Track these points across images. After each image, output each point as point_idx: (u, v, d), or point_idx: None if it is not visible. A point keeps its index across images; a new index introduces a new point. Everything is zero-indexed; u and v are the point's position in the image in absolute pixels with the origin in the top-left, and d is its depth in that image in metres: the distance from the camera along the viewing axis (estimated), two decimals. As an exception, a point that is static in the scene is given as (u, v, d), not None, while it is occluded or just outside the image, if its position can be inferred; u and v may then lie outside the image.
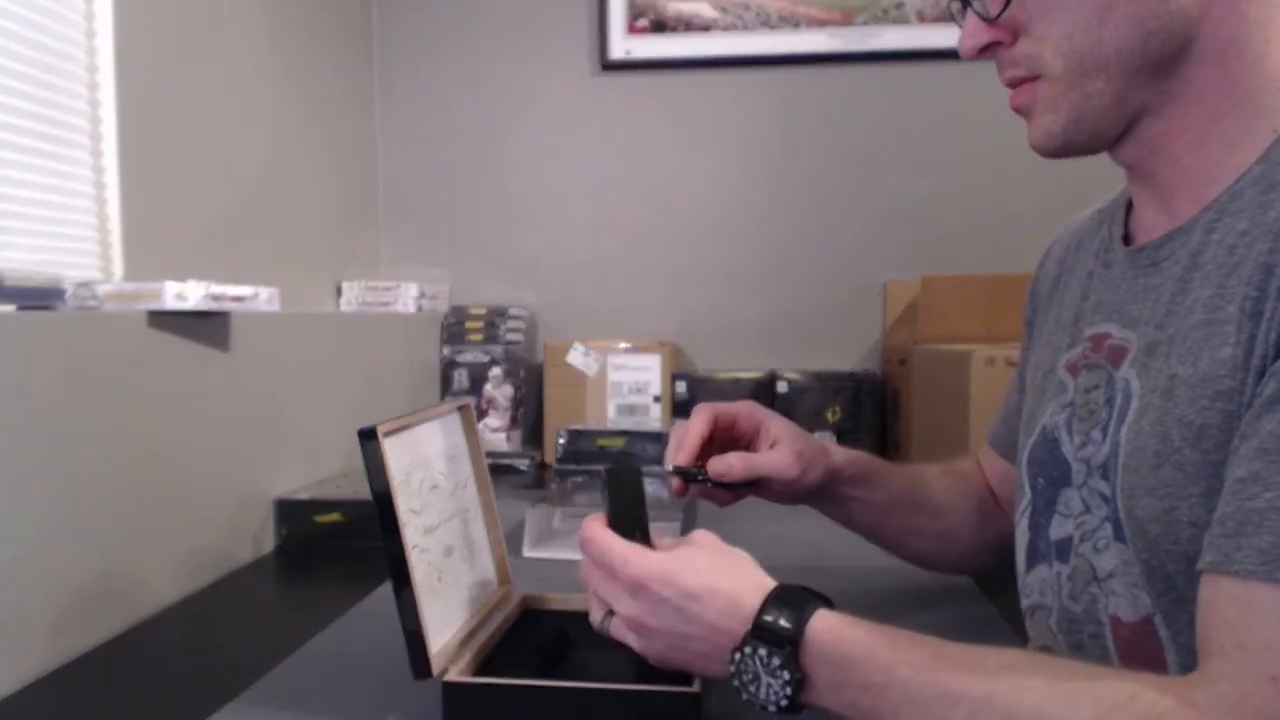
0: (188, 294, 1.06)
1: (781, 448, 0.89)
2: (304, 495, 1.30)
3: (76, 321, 0.97)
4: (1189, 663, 0.53)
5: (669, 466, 0.88)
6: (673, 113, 2.09)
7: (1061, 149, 0.68)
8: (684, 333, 2.09)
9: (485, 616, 0.82)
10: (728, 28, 2.03)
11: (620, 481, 0.73)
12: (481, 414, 1.91)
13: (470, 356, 1.95)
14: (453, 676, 0.71)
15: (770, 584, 0.63)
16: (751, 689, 0.60)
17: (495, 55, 2.11)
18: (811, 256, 2.07)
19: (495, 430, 1.90)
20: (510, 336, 1.98)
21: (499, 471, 1.78)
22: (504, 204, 2.13)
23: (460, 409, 0.90)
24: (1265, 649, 0.49)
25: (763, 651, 0.59)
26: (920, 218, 2.03)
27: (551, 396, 1.96)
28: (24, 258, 1.10)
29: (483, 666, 0.75)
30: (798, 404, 1.90)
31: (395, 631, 0.70)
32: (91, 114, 1.22)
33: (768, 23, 2.02)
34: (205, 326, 1.13)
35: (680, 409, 1.93)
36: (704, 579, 0.64)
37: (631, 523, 0.70)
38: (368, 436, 0.71)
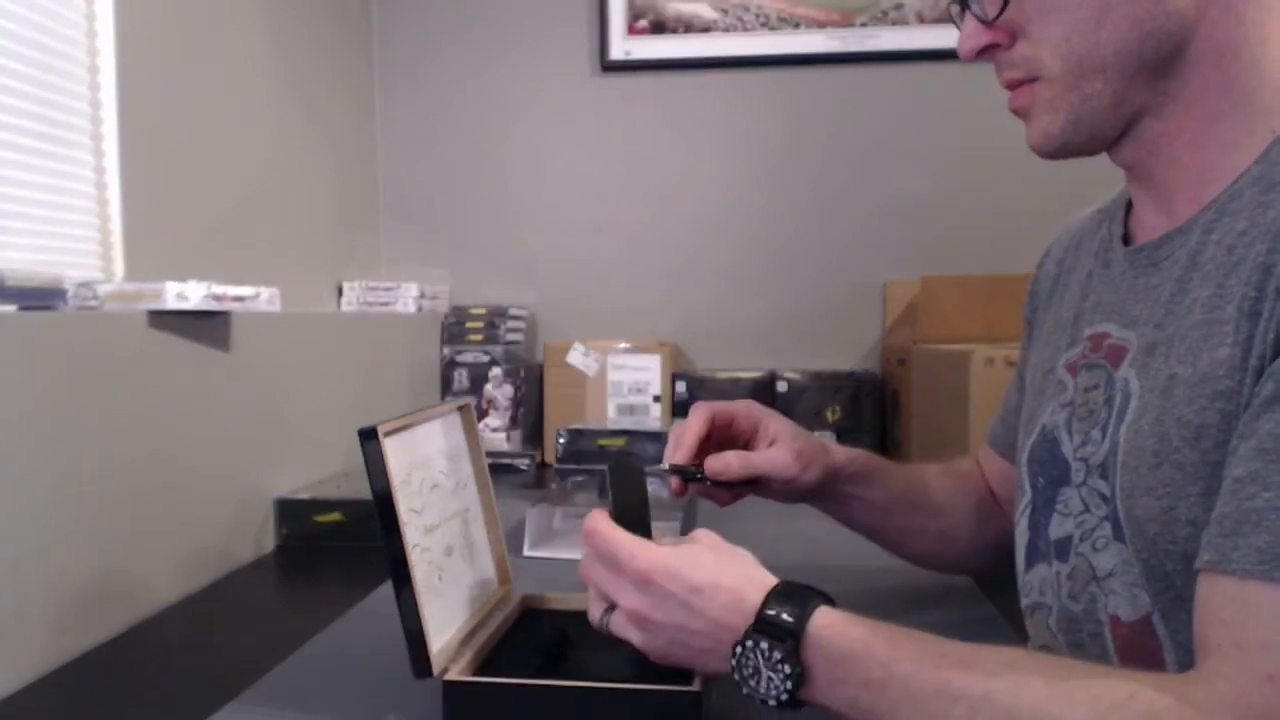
0: (189, 294, 1.06)
1: (780, 446, 0.90)
2: (304, 495, 1.30)
3: (77, 321, 0.97)
4: (1188, 661, 0.54)
5: (666, 465, 0.88)
6: (672, 113, 2.09)
7: (1060, 150, 0.69)
8: (684, 333, 2.09)
9: (485, 616, 0.83)
10: (727, 29, 2.03)
11: (624, 477, 0.73)
12: (482, 414, 1.91)
13: (470, 356, 1.95)
14: (453, 676, 0.71)
15: (773, 580, 0.64)
16: (752, 683, 0.60)
17: (495, 55, 2.11)
18: (811, 256, 2.07)
19: (495, 430, 1.90)
20: (510, 336, 1.98)
21: (499, 471, 1.78)
22: (504, 204, 2.14)
23: (460, 409, 0.90)
24: (1262, 647, 0.49)
25: (764, 645, 0.59)
26: (920, 218, 2.03)
27: (551, 396, 1.96)
28: (25, 258, 1.10)
29: (483, 666, 0.76)
30: (797, 404, 1.90)
31: (395, 631, 0.70)
32: (92, 114, 1.22)
33: (767, 24, 2.02)
34: (206, 326, 1.13)
35: (680, 409, 1.93)
36: (709, 574, 0.64)
37: (634, 519, 0.70)
38: (368, 436, 0.71)
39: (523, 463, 1.83)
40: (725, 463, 0.88)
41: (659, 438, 1.59)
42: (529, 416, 1.98)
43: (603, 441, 1.60)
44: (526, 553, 1.19)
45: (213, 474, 1.16)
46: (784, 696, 0.59)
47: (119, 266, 1.25)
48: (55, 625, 0.89)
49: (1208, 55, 0.63)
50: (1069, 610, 0.71)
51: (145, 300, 1.04)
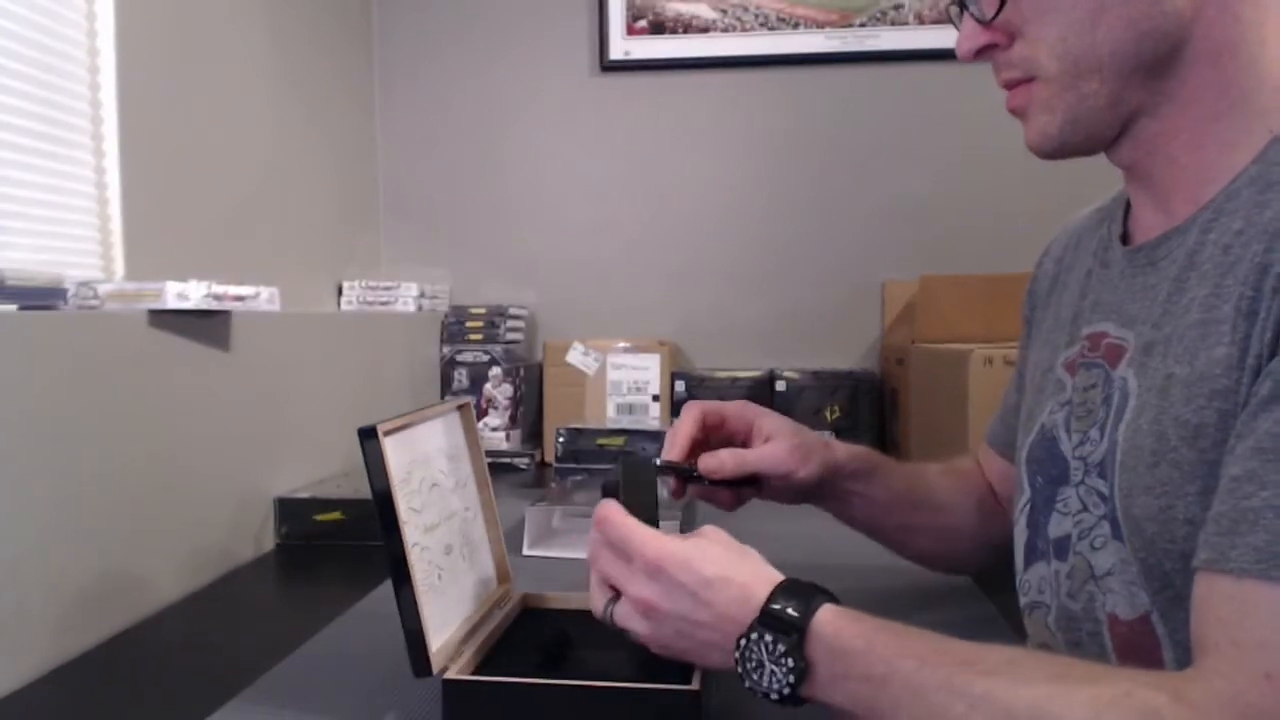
0: (189, 293, 1.06)
1: (775, 442, 0.89)
2: (304, 494, 1.30)
3: (78, 321, 0.97)
4: (1186, 660, 0.54)
5: (658, 463, 0.88)
6: (672, 113, 2.10)
7: (1057, 150, 0.69)
8: (683, 332, 2.09)
9: (485, 615, 0.83)
10: (726, 29, 2.03)
11: (635, 471, 0.74)
12: (481, 413, 1.91)
13: (470, 356, 1.95)
14: (453, 674, 0.71)
15: (779, 577, 0.64)
16: (755, 676, 0.60)
17: (495, 55, 2.12)
18: (810, 256, 2.07)
19: (495, 429, 1.90)
20: (510, 336, 1.98)
21: (499, 470, 1.78)
22: (504, 204, 2.14)
23: (460, 408, 0.90)
24: (1259, 646, 0.49)
25: (769, 638, 0.60)
26: (919, 218, 2.03)
27: (551, 395, 1.97)
28: (25, 257, 1.10)
29: (483, 665, 0.76)
30: (796, 403, 1.90)
31: (395, 630, 0.71)
32: (93, 114, 1.23)
33: (766, 24, 2.03)
34: (206, 326, 1.13)
35: (679, 408, 1.93)
36: (719, 568, 0.64)
37: (644, 512, 0.70)
38: (368, 435, 0.71)
39: (522, 462, 1.83)
40: (719, 461, 0.88)
41: (658, 437, 1.59)
42: (528, 416, 1.98)
43: (602, 441, 1.60)
44: (526, 552, 1.19)
45: (213, 473, 1.16)
46: (786, 690, 0.59)
47: (119, 266, 1.25)
48: (55, 624, 0.89)
49: (1204, 55, 0.63)
50: (1067, 609, 0.71)
51: (145, 300, 1.04)
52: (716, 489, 0.90)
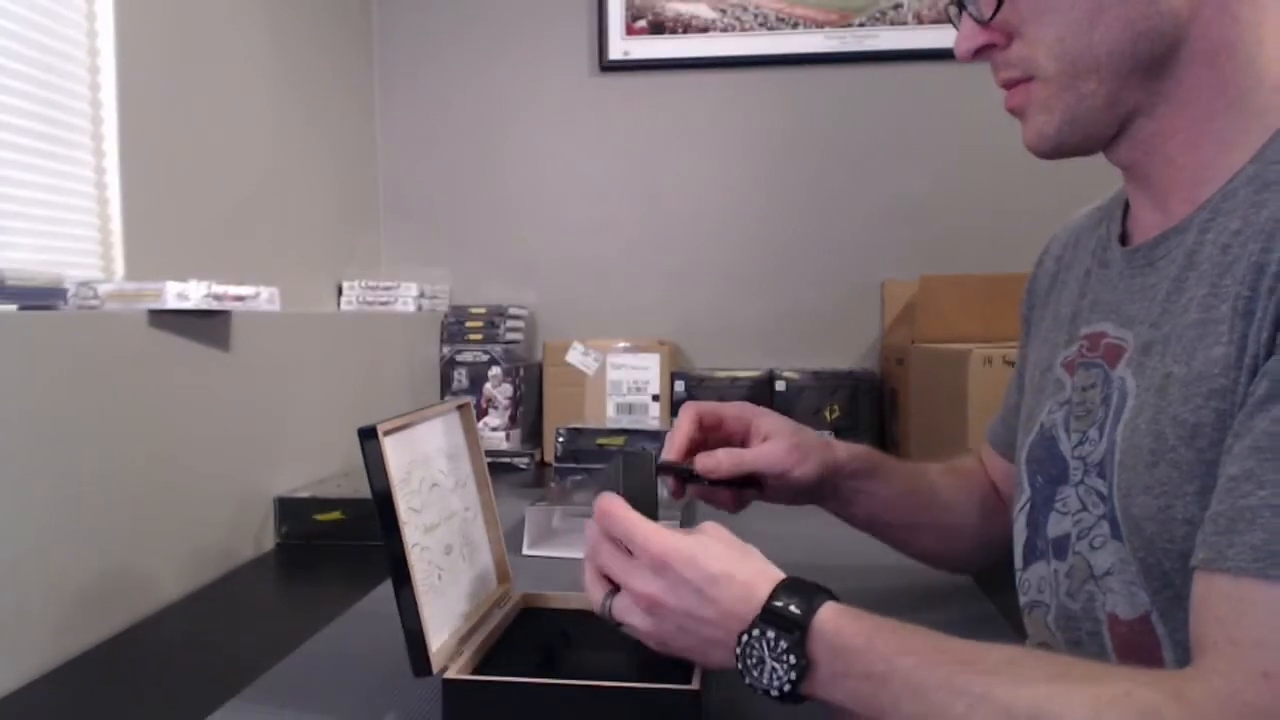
0: (189, 293, 1.06)
1: (772, 442, 0.90)
2: (304, 493, 1.30)
3: (78, 321, 0.97)
4: (1186, 660, 0.54)
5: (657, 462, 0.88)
6: (671, 113, 2.10)
7: (1055, 150, 0.69)
8: (683, 332, 2.09)
9: (485, 614, 0.83)
10: (726, 29, 2.03)
11: (635, 467, 0.74)
12: (481, 413, 1.91)
13: (470, 356, 1.96)
14: (452, 674, 0.71)
15: (781, 575, 0.64)
16: (755, 673, 0.60)
17: (495, 55, 2.12)
18: (810, 256, 2.07)
19: (495, 429, 1.90)
20: (510, 336, 1.98)
21: (498, 470, 1.78)
22: (504, 204, 2.14)
23: (460, 408, 0.90)
24: (1257, 645, 0.49)
25: (771, 634, 0.60)
26: (918, 217, 2.03)
27: (551, 395, 1.97)
28: (25, 257, 1.10)
29: (482, 664, 0.76)
30: (796, 403, 1.91)
31: (395, 629, 0.71)
32: (93, 114, 1.23)
33: (766, 24, 2.03)
34: (206, 326, 1.13)
35: (679, 408, 1.93)
36: (724, 565, 0.64)
37: (644, 508, 0.70)
38: (368, 435, 0.71)
39: (522, 462, 1.83)
40: (716, 460, 0.88)
41: (658, 437, 1.59)
42: (528, 415, 1.98)
43: (602, 440, 1.60)
44: (526, 551, 1.19)
45: (213, 473, 1.16)
46: (786, 687, 0.59)
47: (119, 266, 1.25)
48: (56, 624, 0.89)
49: (1201, 55, 0.63)
50: (1067, 608, 0.71)
51: (145, 300, 1.04)
52: (717, 489, 0.90)
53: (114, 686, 0.85)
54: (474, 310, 2.01)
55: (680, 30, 2.04)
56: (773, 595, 0.61)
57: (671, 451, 0.89)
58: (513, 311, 2.02)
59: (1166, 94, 0.65)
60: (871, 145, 2.05)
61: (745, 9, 2.03)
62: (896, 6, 1.99)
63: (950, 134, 2.01)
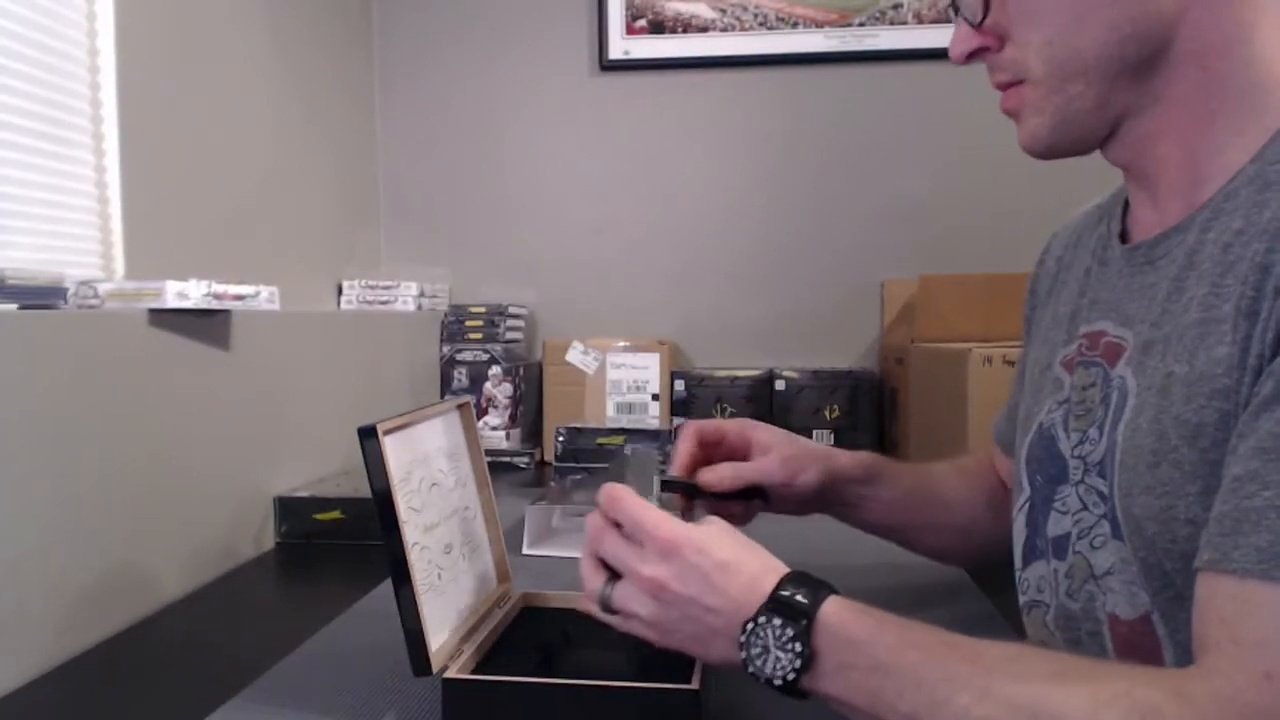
0: (189, 293, 1.06)
1: (772, 454, 0.92)
2: (304, 493, 1.30)
3: (78, 320, 0.97)
4: (1187, 661, 0.54)
5: (661, 480, 0.89)
6: (671, 113, 2.10)
7: (1048, 151, 0.70)
8: (683, 332, 2.09)
9: (485, 614, 0.83)
10: (726, 28, 2.03)
11: (640, 464, 0.75)
12: (481, 412, 1.91)
13: (470, 355, 1.96)
14: (452, 674, 0.71)
15: (786, 568, 0.64)
16: (759, 662, 0.60)
17: (495, 55, 2.12)
18: (810, 256, 2.07)
19: (495, 428, 1.90)
20: (510, 335, 1.98)
21: (498, 469, 1.78)
22: (504, 204, 2.14)
23: (460, 407, 0.90)
24: (1259, 645, 0.49)
25: (777, 622, 0.60)
26: (918, 217, 2.03)
27: (551, 395, 1.97)
28: (26, 256, 1.10)
29: (482, 664, 0.76)
30: (796, 402, 1.91)
31: (395, 629, 0.71)
32: (93, 113, 1.23)
33: (765, 23, 2.03)
34: (206, 325, 1.13)
35: (678, 407, 1.93)
36: (733, 554, 0.65)
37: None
38: (368, 434, 0.71)
39: (522, 461, 1.84)
40: (718, 474, 0.91)
41: (658, 436, 1.59)
42: (528, 415, 1.98)
43: (602, 440, 1.60)
44: (526, 551, 1.19)
45: (213, 472, 1.16)
46: (790, 676, 0.59)
47: (119, 265, 1.25)
48: (56, 623, 0.89)
49: (1191, 56, 0.63)
50: (1066, 608, 0.71)
51: (145, 299, 1.04)
52: (725, 503, 0.91)
53: (114, 686, 0.85)
54: (474, 310, 2.01)
55: (680, 30, 2.04)
56: (779, 585, 0.62)
57: (676, 469, 0.91)
58: (513, 311, 2.02)
59: (1157, 95, 0.65)
60: (871, 145, 2.05)
61: (745, 9, 2.03)
62: (896, 6, 2.00)
63: (950, 134, 2.01)
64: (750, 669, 0.61)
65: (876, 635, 0.58)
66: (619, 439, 1.60)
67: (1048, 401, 0.77)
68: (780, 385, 1.92)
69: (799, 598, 0.60)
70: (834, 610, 0.60)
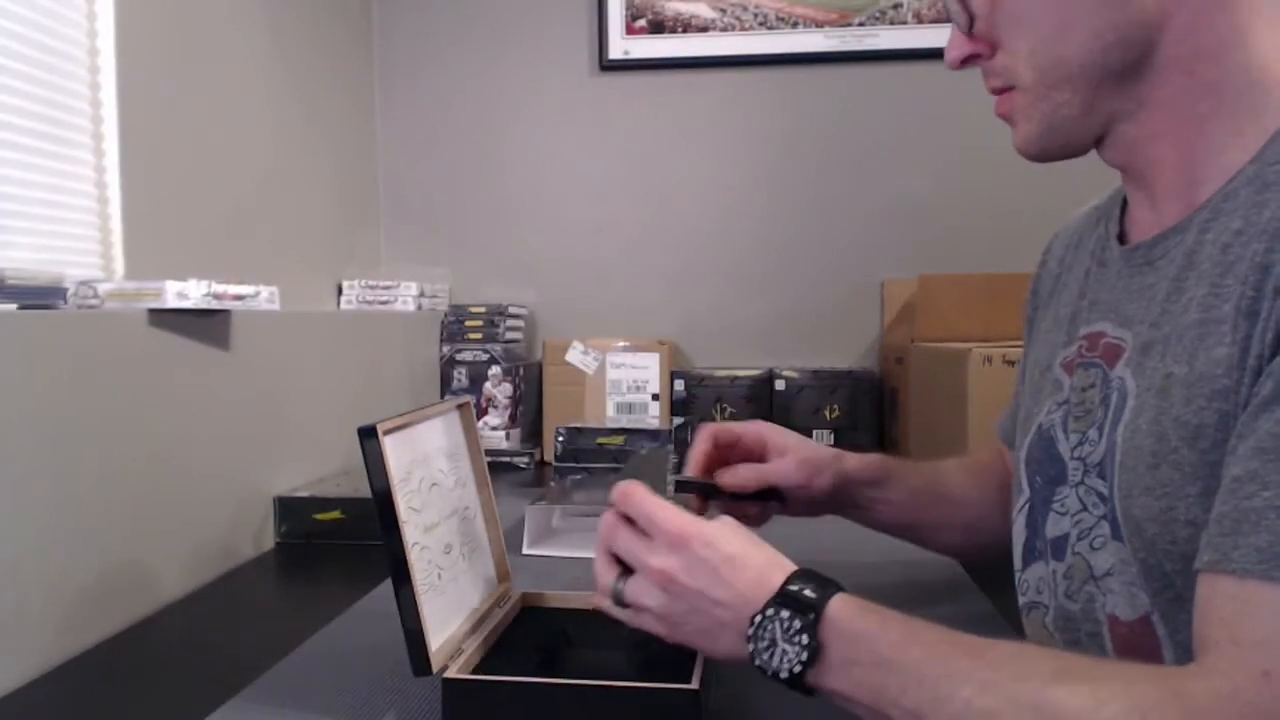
0: (189, 292, 1.06)
1: (790, 456, 0.95)
2: (304, 493, 1.30)
3: (78, 320, 0.97)
4: (1186, 662, 0.54)
5: (670, 484, 0.91)
6: (671, 113, 2.10)
7: (1041, 155, 0.71)
8: (683, 332, 2.09)
9: (485, 614, 0.83)
10: (725, 28, 2.03)
11: (652, 462, 0.76)
12: (481, 412, 1.91)
13: (470, 355, 1.96)
14: (452, 673, 0.71)
15: (793, 565, 0.65)
16: (766, 655, 0.61)
17: (495, 55, 2.12)
18: (810, 256, 2.07)
19: (495, 428, 1.90)
20: (510, 335, 1.98)
21: (498, 469, 1.78)
22: (504, 204, 2.14)
23: (460, 407, 0.90)
24: (1258, 645, 0.49)
25: (785, 614, 0.60)
26: (918, 217, 2.03)
27: (551, 395, 1.97)
28: (25, 256, 1.10)
29: (482, 664, 0.76)
30: (796, 402, 1.91)
31: (395, 629, 0.71)
32: (93, 113, 1.23)
33: (765, 23, 2.03)
34: (206, 325, 1.13)
35: (678, 407, 1.94)
36: (741, 548, 0.65)
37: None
38: (368, 434, 0.71)
39: (522, 461, 1.84)
40: (739, 476, 0.93)
41: (657, 436, 1.59)
42: (528, 415, 1.98)
43: (602, 440, 1.60)
44: (525, 551, 1.19)
45: (212, 472, 1.16)
46: (796, 669, 0.59)
47: (119, 265, 1.25)
48: (56, 623, 0.89)
49: (1178, 62, 0.64)
50: (1066, 609, 0.71)
51: (145, 299, 1.04)
52: (740, 504, 0.93)
53: (114, 686, 0.85)
54: (474, 309, 2.01)
55: (680, 30, 2.05)
56: (788, 580, 0.63)
57: (692, 469, 0.93)
58: (512, 311, 2.02)
59: (1145, 100, 0.66)
60: (871, 145, 2.05)
61: (745, 8, 2.03)
62: (896, 6, 2.00)
63: (950, 133, 2.01)
64: (757, 662, 0.61)
65: (881, 631, 0.59)
66: (619, 439, 1.60)
67: (1047, 403, 0.77)
68: (780, 385, 1.92)
69: (807, 592, 0.61)
70: (840, 606, 0.61)
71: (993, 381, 1.36)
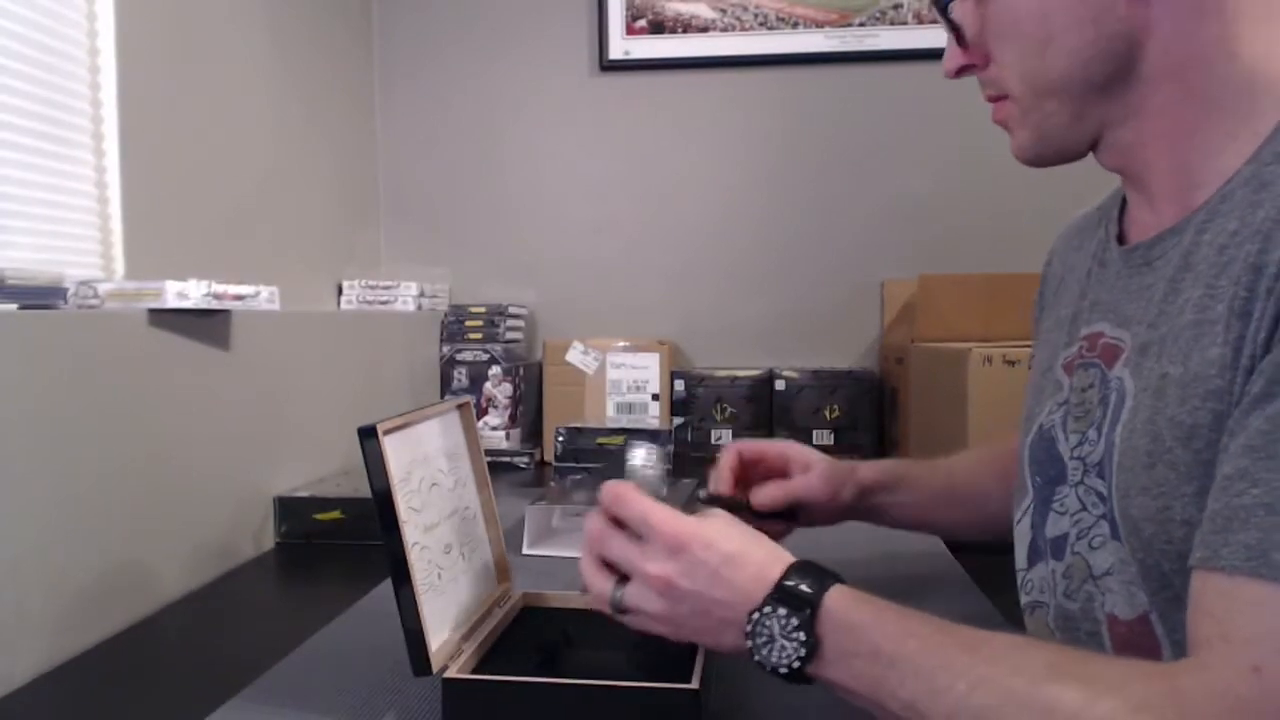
0: (189, 292, 1.06)
1: (813, 473, 0.98)
2: (304, 493, 1.30)
3: (78, 320, 0.97)
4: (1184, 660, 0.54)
5: (703, 496, 0.95)
6: (671, 113, 2.10)
7: (1036, 160, 0.72)
8: (683, 332, 2.09)
9: (485, 614, 0.83)
10: (726, 28, 2.04)
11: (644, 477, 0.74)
12: (481, 412, 1.91)
13: (470, 355, 1.96)
14: (452, 673, 0.71)
15: (791, 558, 0.65)
16: (764, 651, 0.61)
17: (495, 55, 2.12)
18: (810, 256, 2.07)
19: (495, 428, 1.90)
20: (510, 335, 1.98)
21: (498, 469, 1.79)
22: (504, 204, 2.14)
23: (460, 407, 0.90)
24: (1248, 641, 0.49)
25: (782, 611, 0.61)
26: (918, 217, 2.03)
27: (550, 395, 1.97)
28: (26, 256, 1.10)
29: (482, 664, 0.76)
30: (796, 402, 1.91)
31: (395, 629, 0.71)
32: (93, 113, 1.23)
33: (766, 23, 2.03)
34: (206, 325, 1.13)
35: (678, 407, 1.94)
36: (739, 546, 0.65)
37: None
38: (368, 434, 0.71)
39: (522, 461, 1.84)
40: (769, 495, 0.97)
41: (657, 436, 1.59)
42: (528, 415, 1.98)
43: (602, 440, 1.60)
44: (525, 551, 1.19)
45: (212, 472, 1.16)
46: (795, 664, 0.60)
47: (119, 265, 1.25)
48: (56, 623, 0.89)
49: (1165, 70, 0.64)
50: (1065, 609, 0.71)
51: (145, 299, 1.04)
52: (766, 521, 0.95)
53: (114, 686, 0.85)
54: (474, 309, 2.01)
55: (680, 30, 2.05)
56: (785, 575, 0.63)
57: (720, 485, 0.97)
58: (513, 311, 2.02)
59: (1135, 107, 0.67)
60: (871, 145, 2.05)
61: (745, 9, 2.03)
62: (896, 6, 2.00)
63: (950, 134, 2.01)
64: (756, 658, 0.62)
65: (877, 623, 0.59)
66: (619, 439, 1.60)
67: (1048, 403, 0.77)
68: (780, 385, 1.92)
69: (804, 587, 0.61)
70: (837, 599, 0.61)
71: (993, 381, 1.36)
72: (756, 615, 0.61)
